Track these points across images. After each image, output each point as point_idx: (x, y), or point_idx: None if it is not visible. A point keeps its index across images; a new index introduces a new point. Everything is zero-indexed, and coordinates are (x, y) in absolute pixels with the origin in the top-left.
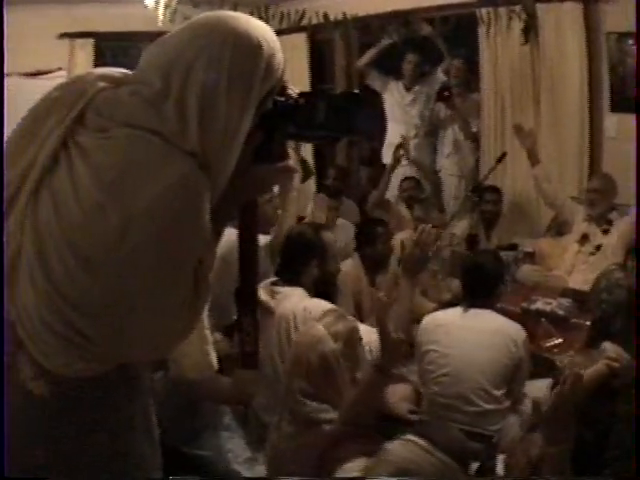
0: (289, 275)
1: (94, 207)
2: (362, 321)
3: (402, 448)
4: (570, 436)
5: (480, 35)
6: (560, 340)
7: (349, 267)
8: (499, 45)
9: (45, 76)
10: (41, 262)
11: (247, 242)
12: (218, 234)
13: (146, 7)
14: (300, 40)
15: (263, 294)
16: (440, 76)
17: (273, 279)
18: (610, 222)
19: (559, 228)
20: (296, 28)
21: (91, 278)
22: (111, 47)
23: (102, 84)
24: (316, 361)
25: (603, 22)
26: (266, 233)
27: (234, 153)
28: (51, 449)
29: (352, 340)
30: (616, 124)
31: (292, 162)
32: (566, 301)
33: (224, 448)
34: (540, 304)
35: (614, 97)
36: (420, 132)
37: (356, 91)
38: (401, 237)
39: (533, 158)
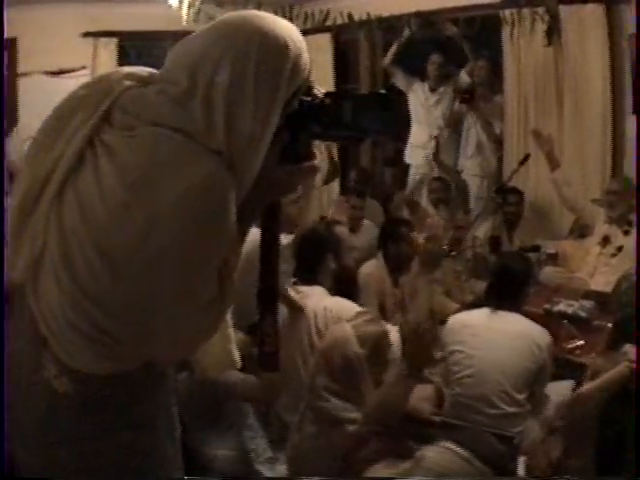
0: (307, 274)
1: (119, 206)
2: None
3: (441, 456)
4: (590, 445)
5: (504, 36)
6: (582, 342)
7: (373, 268)
8: (522, 47)
9: (68, 75)
10: (66, 261)
11: (269, 242)
12: (243, 234)
13: (170, 6)
14: (324, 40)
15: (292, 293)
16: (464, 78)
17: (293, 279)
18: (630, 223)
19: (581, 230)
20: (320, 28)
21: (116, 278)
22: (135, 46)
23: (128, 83)
24: (339, 361)
25: (625, 24)
26: (291, 233)
27: (260, 153)
28: (74, 447)
29: (380, 346)
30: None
31: (317, 162)
32: (588, 303)
33: (246, 448)
34: (562, 306)
35: (636, 99)
36: (443, 133)
37: (382, 91)
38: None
39: (552, 162)
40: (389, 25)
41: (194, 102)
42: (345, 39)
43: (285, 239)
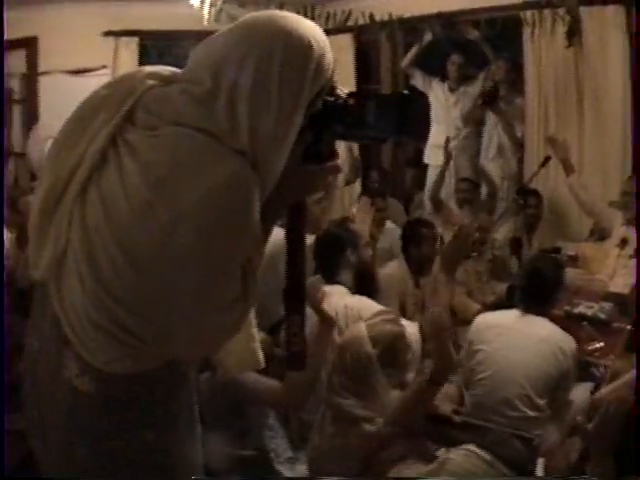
0: (328, 273)
1: (143, 205)
2: None
3: (464, 460)
4: (609, 446)
5: (524, 38)
6: (602, 344)
7: (394, 269)
8: (543, 48)
9: (89, 74)
10: (89, 260)
11: (295, 242)
12: (267, 233)
13: (192, 6)
14: (346, 41)
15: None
16: (484, 79)
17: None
18: None
19: (601, 233)
20: (342, 29)
21: (140, 276)
22: (156, 46)
23: (151, 82)
24: (351, 360)
25: None
26: (314, 234)
27: (284, 153)
28: (95, 446)
29: (395, 346)
30: None
31: (340, 162)
32: (608, 305)
33: (266, 448)
34: (582, 308)
35: (636, 99)
36: (461, 134)
37: (405, 92)
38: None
39: (568, 168)
40: (411, 26)
41: (217, 102)
42: (367, 39)
43: (308, 240)
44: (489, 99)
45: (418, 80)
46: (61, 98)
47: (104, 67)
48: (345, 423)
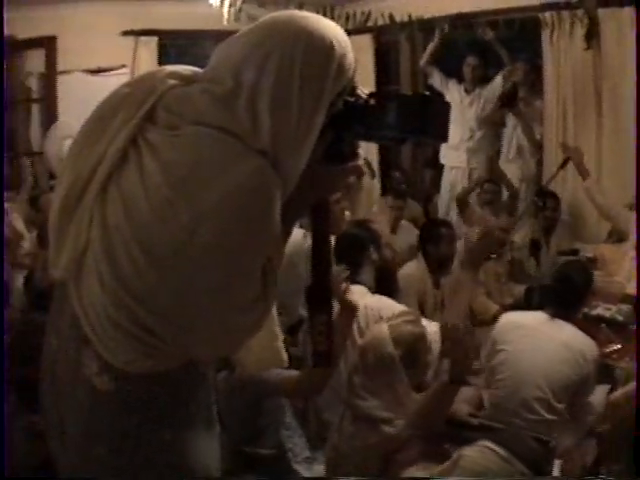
0: (350, 273)
1: (164, 204)
2: None
3: (479, 455)
4: (626, 448)
5: (543, 39)
6: (619, 346)
7: (413, 269)
8: (562, 50)
9: (108, 73)
10: (109, 259)
11: (319, 242)
12: (287, 233)
13: (211, 6)
14: (365, 41)
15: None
16: (500, 82)
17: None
18: None
19: (619, 235)
20: (362, 29)
21: (160, 276)
22: (175, 45)
23: (172, 82)
24: (374, 361)
25: None
26: (334, 234)
27: (305, 153)
28: (114, 445)
29: (416, 347)
30: None
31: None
32: (625, 307)
33: (284, 447)
34: (600, 310)
35: (638, 100)
36: (476, 135)
37: (427, 93)
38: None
39: (583, 172)
40: (430, 26)
41: (239, 102)
42: (386, 40)
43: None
44: (508, 101)
45: (436, 79)
46: (80, 97)
47: (123, 66)
48: (364, 424)
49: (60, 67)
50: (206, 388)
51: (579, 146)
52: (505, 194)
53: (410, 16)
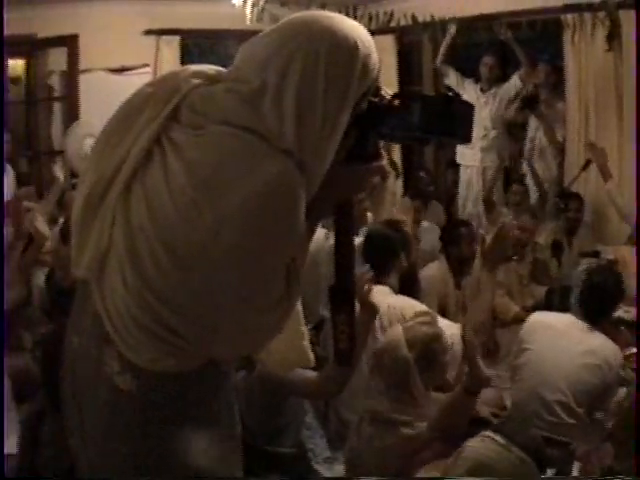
0: (376, 274)
1: (188, 204)
2: None
3: (480, 444)
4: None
5: (565, 40)
6: (635, 349)
7: (435, 270)
8: (583, 51)
9: (130, 72)
10: (132, 258)
11: (343, 242)
12: (311, 232)
13: (234, 5)
14: (388, 42)
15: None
16: (516, 82)
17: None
18: None
19: None
20: (384, 29)
21: (184, 275)
22: (198, 45)
23: (196, 81)
24: (389, 364)
25: None
26: (355, 234)
27: (330, 152)
28: (136, 444)
29: (431, 348)
30: None
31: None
32: None
33: (305, 447)
34: (621, 312)
35: (638, 103)
36: (490, 135)
37: (450, 93)
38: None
39: (605, 174)
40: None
41: (264, 101)
42: (409, 41)
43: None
44: (530, 103)
45: (452, 79)
46: (102, 96)
47: (146, 65)
48: (383, 426)
49: (82, 66)
50: (228, 387)
51: (604, 148)
52: (533, 197)
53: (433, 16)
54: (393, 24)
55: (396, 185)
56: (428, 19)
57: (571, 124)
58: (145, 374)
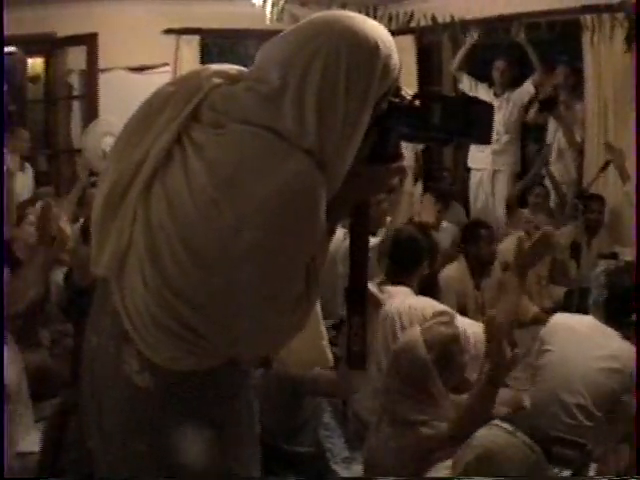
0: (400, 277)
1: (209, 203)
2: None
3: (486, 432)
4: None
5: (584, 42)
6: None
7: (454, 270)
8: (602, 53)
9: (150, 71)
10: (152, 257)
11: (358, 243)
12: (331, 232)
13: (253, 5)
14: (408, 42)
15: (371, 287)
16: (529, 88)
17: (378, 280)
18: None
19: None
20: (404, 30)
21: (204, 274)
22: (217, 44)
23: (217, 80)
24: (407, 365)
25: None
26: (373, 234)
27: (351, 152)
28: (156, 443)
29: (449, 349)
30: None
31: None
32: None
33: (323, 446)
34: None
35: (638, 104)
36: (502, 139)
37: (471, 94)
38: (512, 238)
39: (624, 175)
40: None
41: (285, 101)
42: (429, 41)
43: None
44: (548, 105)
45: (465, 84)
46: (121, 95)
47: (165, 64)
48: (401, 426)
49: (101, 64)
50: (247, 386)
51: (622, 149)
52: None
53: (452, 17)
54: (413, 24)
55: (415, 187)
56: (448, 19)
57: (590, 125)
58: (164, 373)
